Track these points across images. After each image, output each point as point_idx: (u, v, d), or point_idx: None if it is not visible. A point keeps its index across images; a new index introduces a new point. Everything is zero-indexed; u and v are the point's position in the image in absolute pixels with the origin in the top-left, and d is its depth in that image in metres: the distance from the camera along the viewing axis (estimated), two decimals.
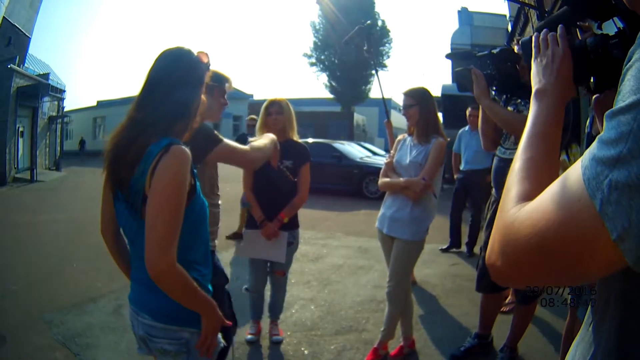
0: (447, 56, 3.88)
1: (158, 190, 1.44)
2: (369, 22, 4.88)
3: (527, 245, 0.62)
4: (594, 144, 0.57)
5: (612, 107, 0.56)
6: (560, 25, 0.97)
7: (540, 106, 0.90)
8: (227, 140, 2.38)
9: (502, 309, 4.45)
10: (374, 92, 35.17)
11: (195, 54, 1.68)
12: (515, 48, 2.99)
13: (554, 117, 0.88)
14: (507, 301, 4.54)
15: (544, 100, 0.91)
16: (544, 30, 0.98)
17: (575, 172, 0.58)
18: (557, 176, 0.73)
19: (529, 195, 0.71)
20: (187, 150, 1.51)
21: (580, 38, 0.97)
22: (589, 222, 0.55)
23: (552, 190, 0.62)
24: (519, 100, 3.03)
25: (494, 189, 3.26)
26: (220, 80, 2.57)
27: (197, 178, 1.60)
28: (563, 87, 0.92)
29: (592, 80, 0.95)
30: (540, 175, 0.77)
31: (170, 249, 1.41)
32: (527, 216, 0.64)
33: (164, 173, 1.44)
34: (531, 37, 1.02)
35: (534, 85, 0.95)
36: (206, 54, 1.73)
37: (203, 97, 1.69)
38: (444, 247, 6.61)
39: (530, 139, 0.85)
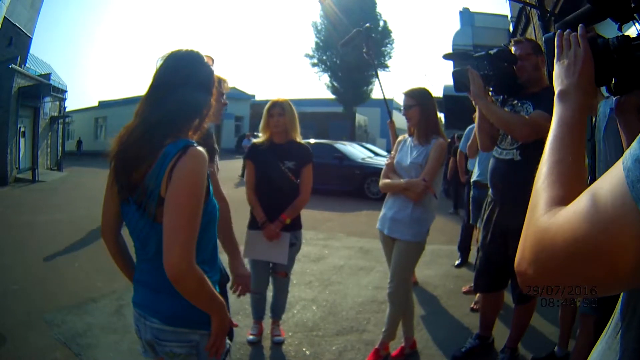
0: (445, 57, 3.88)
1: (178, 192, 1.43)
2: (367, 24, 4.85)
3: (564, 253, 0.60)
4: (635, 144, 0.55)
5: (633, 109, 0.55)
6: (580, 25, 0.95)
7: (565, 107, 0.88)
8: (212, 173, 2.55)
9: (472, 307, 4.46)
10: (376, 93, 35.14)
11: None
12: (512, 49, 3.00)
13: (579, 118, 0.86)
14: (476, 299, 4.53)
15: (568, 101, 0.89)
16: (567, 30, 0.97)
17: (617, 175, 0.56)
18: (585, 178, 0.71)
19: (561, 199, 0.69)
20: (204, 151, 1.50)
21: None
22: (633, 228, 0.52)
23: (590, 194, 0.59)
24: (516, 101, 3.04)
25: (490, 189, 3.26)
26: (218, 82, 2.64)
27: (209, 179, 1.60)
28: (586, 88, 0.90)
29: (613, 81, 0.94)
30: (570, 179, 0.75)
31: (190, 250, 1.41)
32: (564, 222, 0.61)
33: (184, 175, 1.43)
34: (554, 33, 1.00)
35: (557, 86, 0.93)
36: (211, 58, 1.73)
37: (212, 100, 1.69)
38: (457, 263, 6.13)
39: (556, 141, 0.83)
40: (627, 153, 0.56)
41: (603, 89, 1.01)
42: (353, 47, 5.12)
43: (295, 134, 3.49)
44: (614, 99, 0.98)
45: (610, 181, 0.57)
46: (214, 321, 1.57)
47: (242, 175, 15.43)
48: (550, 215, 0.66)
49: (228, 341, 1.71)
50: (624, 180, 0.54)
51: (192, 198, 1.44)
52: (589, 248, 0.57)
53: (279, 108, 3.42)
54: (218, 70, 1.77)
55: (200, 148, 1.50)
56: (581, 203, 0.60)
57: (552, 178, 0.76)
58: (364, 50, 4.74)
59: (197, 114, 1.61)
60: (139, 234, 1.60)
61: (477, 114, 3.17)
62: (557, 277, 0.63)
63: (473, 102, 3.02)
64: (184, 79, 1.58)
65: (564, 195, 0.70)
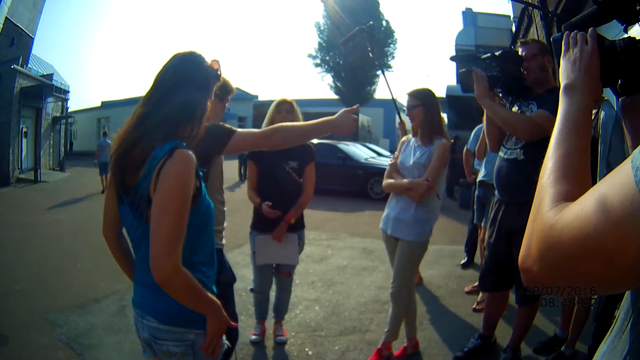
0: (452, 58, 3.90)
1: (162, 194, 1.43)
2: (370, 22, 4.83)
3: (571, 250, 0.59)
4: None
5: (639, 110, 0.55)
6: (592, 28, 0.96)
7: (571, 101, 0.88)
8: (240, 130, 2.27)
9: (475, 307, 4.44)
10: (379, 93, 35.11)
11: (208, 61, 1.67)
12: (519, 50, 3.00)
13: (585, 112, 0.86)
14: (479, 299, 4.51)
15: (574, 95, 0.89)
16: (575, 31, 0.97)
17: (625, 173, 0.56)
18: (590, 172, 0.71)
19: (567, 195, 0.69)
20: (192, 153, 1.49)
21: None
22: None
23: (598, 191, 0.59)
24: (522, 102, 3.04)
25: (496, 190, 3.25)
26: (227, 90, 2.70)
27: (202, 180, 1.59)
28: (592, 83, 0.90)
29: (619, 82, 0.94)
30: (576, 173, 0.74)
31: (174, 252, 1.40)
32: (572, 219, 0.61)
33: (168, 177, 1.43)
34: (562, 33, 1.01)
35: (563, 80, 0.93)
36: (217, 62, 1.71)
37: (209, 103, 1.68)
38: (463, 262, 6.06)
39: (562, 135, 0.82)
40: (636, 152, 0.56)
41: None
42: (354, 46, 5.11)
43: None
44: (620, 100, 0.98)
45: (619, 179, 0.57)
46: (209, 321, 1.56)
47: (242, 177, 15.40)
48: (556, 211, 0.65)
49: (227, 342, 1.70)
50: (632, 179, 0.54)
51: (176, 201, 1.43)
52: (595, 247, 0.56)
53: (288, 106, 3.44)
54: (223, 72, 1.76)
55: (188, 150, 1.49)
56: (589, 200, 0.60)
57: (557, 173, 0.75)
58: (369, 49, 4.73)
59: (192, 116, 1.61)
60: (134, 234, 1.61)
61: (484, 116, 3.17)
62: (562, 275, 0.63)
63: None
64: (179, 81, 1.58)
65: (570, 190, 0.69)
